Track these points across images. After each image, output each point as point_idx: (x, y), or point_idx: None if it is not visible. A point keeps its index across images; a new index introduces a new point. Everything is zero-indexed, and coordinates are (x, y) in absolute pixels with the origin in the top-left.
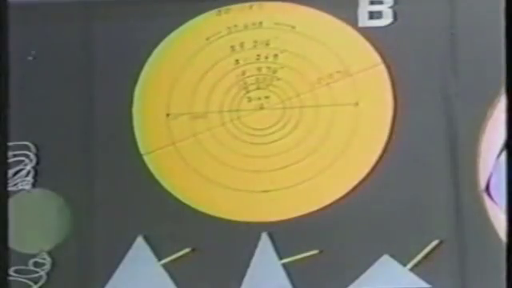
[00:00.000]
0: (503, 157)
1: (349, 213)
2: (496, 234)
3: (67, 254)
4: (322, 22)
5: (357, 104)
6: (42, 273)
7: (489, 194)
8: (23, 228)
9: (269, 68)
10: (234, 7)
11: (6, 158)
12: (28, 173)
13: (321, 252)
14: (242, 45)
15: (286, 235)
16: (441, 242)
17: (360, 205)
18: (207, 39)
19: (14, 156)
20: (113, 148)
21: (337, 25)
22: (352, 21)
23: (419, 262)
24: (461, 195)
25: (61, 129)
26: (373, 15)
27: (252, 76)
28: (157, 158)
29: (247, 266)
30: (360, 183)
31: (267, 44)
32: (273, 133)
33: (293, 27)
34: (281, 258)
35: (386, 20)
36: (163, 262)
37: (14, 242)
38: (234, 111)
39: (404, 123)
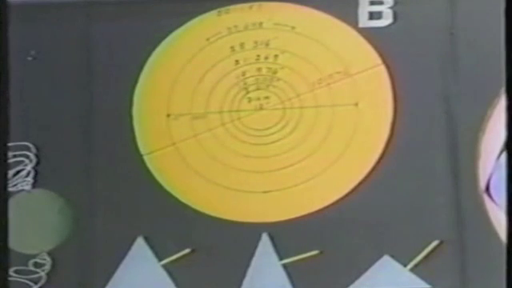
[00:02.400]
0: (503, 157)
1: (349, 213)
2: (496, 235)
3: (67, 255)
4: (321, 23)
5: (357, 104)
6: (42, 273)
7: (489, 195)
8: (23, 228)
9: (269, 68)
10: (234, 8)
11: (6, 159)
12: (28, 173)
13: (321, 252)
14: (242, 45)
15: (287, 236)
16: (441, 243)
17: (360, 205)
18: (207, 40)
19: (14, 156)
20: (113, 148)
21: (337, 25)
22: (352, 21)
23: (419, 263)
24: (461, 196)
25: (61, 129)
26: (373, 16)
27: (252, 76)
28: (157, 158)
29: (247, 266)
30: (360, 184)
31: (267, 44)
32: (273, 133)
33: (293, 28)
34: (281, 259)
35: (386, 20)
36: (163, 262)
37: (14, 243)
38: (234, 112)
39: (404, 123)
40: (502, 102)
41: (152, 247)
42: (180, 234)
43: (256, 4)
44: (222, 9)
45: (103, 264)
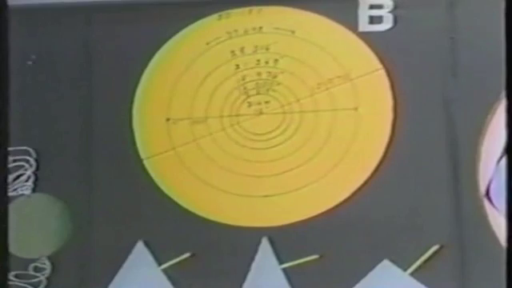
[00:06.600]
0: (503, 162)
1: (349, 217)
2: (496, 240)
3: (67, 259)
4: (321, 27)
5: (356, 109)
6: (42, 277)
7: (489, 199)
8: (23, 233)
9: (269, 73)
10: (234, 12)
11: (7, 163)
12: (28, 178)
13: (321, 257)
14: (242, 50)
15: (287, 240)
16: (441, 247)
17: (360, 209)
18: (207, 44)
19: (14, 161)
20: (113, 153)
21: (337, 29)
22: (352, 25)
23: (419, 267)
24: (461, 200)
25: (61, 134)
26: (373, 20)
27: (252, 81)
28: (157, 162)
29: (247, 270)
30: (360, 188)
31: (267, 49)
32: (273, 138)
33: (292, 32)
34: (281, 263)
35: (386, 25)
36: (163, 266)
37: (14, 247)
38: (234, 116)
39: (404, 128)
40: (502, 106)
41: (152, 251)
42: (180, 239)
43: (256, 8)
44: (223, 13)
45: (103, 268)
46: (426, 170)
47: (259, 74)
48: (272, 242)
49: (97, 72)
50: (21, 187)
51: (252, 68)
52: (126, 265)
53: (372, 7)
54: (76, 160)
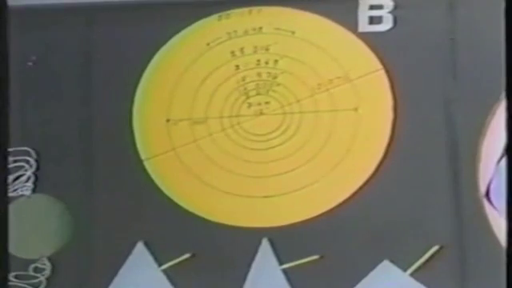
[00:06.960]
0: (503, 162)
1: (349, 218)
2: (496, 240)
3: (67, 260)
4: (321, 28)
5: (356, 109)
6: (42, 278)
7: (489, 200)
8: (23, 233)
9: (269, 73)
10: (234, 12)
11: (7, 164)
12: (28, 178)
13: (321, 257)
14: (242, 50)
15: (287, 241)
16: (441, 248)
17: (360, 210)
18: (207, 44)
19: (14, 162)
20: (113, 153)
21: (336, 30)
22: (352, 26)
23: (419, 268)
24: (461, 200)
25: (61, 134)
26: (373, 20)
27: (252, 82)
28: (157, 163)
29: (247, 271)
30: (360, 188)
31: (267, 49)
32: (273, 138)
33: (292, 32)
34: (281, 264)
35: (386, 25)
36: (163, 267)
37: (14, 248)
38: (234, 117)
39: (404, 128)
40: (502, 107)
41: (152, 252)
42: (180, 239)
43: (255, 9)
44: (223, 13)
45: (103, 269)
46: (426, 169)
47: (259, 74)
48: (272, 243)
49: (97, 72)
50: (21, 188)
51: (252, 69)
52: (126, 265)
53: (372, 8)
54: (76, 161)
